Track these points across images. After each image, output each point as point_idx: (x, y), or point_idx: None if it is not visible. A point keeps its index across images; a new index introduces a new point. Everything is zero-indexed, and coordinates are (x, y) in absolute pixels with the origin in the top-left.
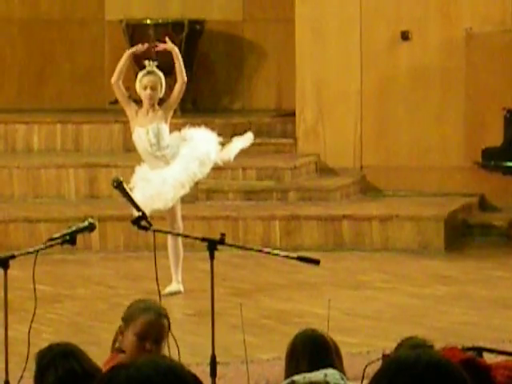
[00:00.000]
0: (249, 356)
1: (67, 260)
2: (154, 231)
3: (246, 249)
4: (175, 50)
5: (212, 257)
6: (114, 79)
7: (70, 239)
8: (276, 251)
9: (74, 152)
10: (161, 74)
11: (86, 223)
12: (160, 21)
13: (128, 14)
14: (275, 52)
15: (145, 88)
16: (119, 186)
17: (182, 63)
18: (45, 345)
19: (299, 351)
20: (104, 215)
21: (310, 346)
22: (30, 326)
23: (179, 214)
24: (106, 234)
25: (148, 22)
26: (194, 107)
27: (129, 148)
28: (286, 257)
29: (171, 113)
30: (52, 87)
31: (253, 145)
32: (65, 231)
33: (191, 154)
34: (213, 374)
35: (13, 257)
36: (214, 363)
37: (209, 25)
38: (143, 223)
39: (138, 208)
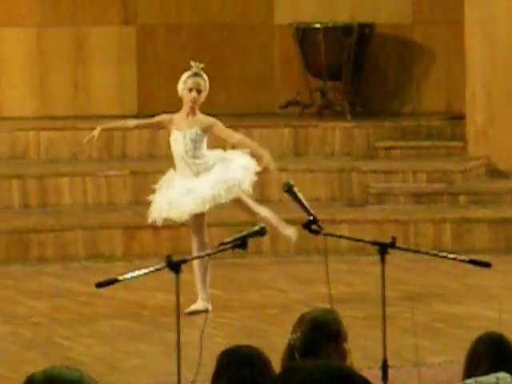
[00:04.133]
0: (420, 360)
1: (238, 264)
2: (325, 235)
3: (417, 252)
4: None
5: (383, 260)
6: (132, 129)
7: (242, 244)
8: (447, 254)
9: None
10: (206, 77)
11: (258, 227)
12: (330, 24)
13: (297, 18)
14: (445, 54)
15: (190, 90)
16: (290, 190)
17: (254, 148)
18: (216, 349)
19: (481, 354)
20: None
21: (493, 349)
22: (203, 330)
23: (205, 228)
24: (276, 238)
25: (317, 25)
26: (364, 110)
27: (299, 152)
28: (457, 260)
29: (211, 137)
30: (222, 92)
31: (423, 148)
32: (236, 235)
33: (222, 176)
34: (384, 377)
35: (184, 261)
36: (385, 367)
37: (378, 28)
38: (314, 227)
39: (308, 212)
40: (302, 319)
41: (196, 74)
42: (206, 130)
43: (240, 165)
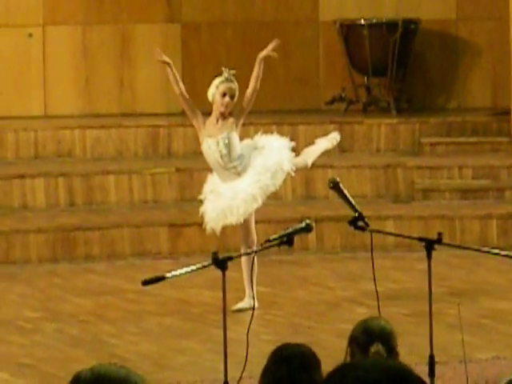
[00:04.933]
0: (467, 356)
1: (284, 261)
2: (371, 231)
3: (464, 248)
4: (262, 55)
5: (429, 257)
6: (176, 91)
7: (288, 240)
8: (494, 250)
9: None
10: (237, 84)
11: (304, 224)
12: (374, 21)
13: (342, 15)
14: (490, 50)
15: (223, 95)
16: (336, 186)
17: (261, 70)
18: (263, 346)
19: None
20: (321, 216)
21: None
22: (249, 328)
23: (253, 226)
24: (322, 234)
25: (362, 22)
26: (409, 107)
27: (344, 149)
28: (504, 256)
29: (242, 120)
30: (267, 88)
31: (469, 144)
32: (282, 232)
33: (263, 165)
34: (431, 373)
35: (230, 258)
36: (432, 363)
37: (423, 24)
38: (360, 224)
39: (354, 208)
40: (367, 330)
41: (228, 80)
42: (237, 123)
43: (274, 147)
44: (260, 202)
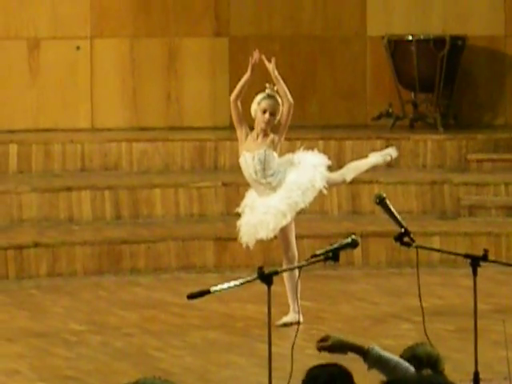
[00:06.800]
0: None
1: (329, 276)
2: (417, 247)
3: (509, 265)
4: (275, 74)
5: (475, 273)
6: (233, 97)
7: (333, 256)
8: None
9: (335, 168)
10: (280, 100)
11: (349, 240)
12: (422, 37)
13: (390, 30)
14: None
15: (263, 111)
16: (382, 202)
17: (283, 85)
18: (308, 361)
19: None
20: (366, 231)
21: None
22: (294, 342)
23: (292, 241)
24: (368, 250)
25: (410, 38)
26: (456, 123)
27: (391, 164)
28: None
29: (283, 137)
30: (314, 104)
31: None
32: (328, 247)
33: (295, 182)
34: None
35: (276, 273)
36: (477, 380)
37: (470, 40)
38: (406, 239)
39: (400, 224)
40: (415, 357)
41: (270, 96)
42: (277, 140)
43: (309, 164)
44: (289, 218)
